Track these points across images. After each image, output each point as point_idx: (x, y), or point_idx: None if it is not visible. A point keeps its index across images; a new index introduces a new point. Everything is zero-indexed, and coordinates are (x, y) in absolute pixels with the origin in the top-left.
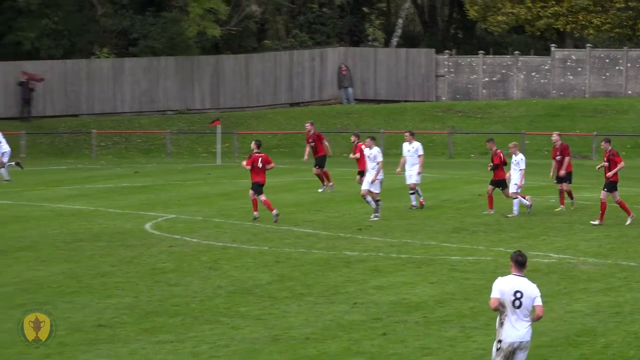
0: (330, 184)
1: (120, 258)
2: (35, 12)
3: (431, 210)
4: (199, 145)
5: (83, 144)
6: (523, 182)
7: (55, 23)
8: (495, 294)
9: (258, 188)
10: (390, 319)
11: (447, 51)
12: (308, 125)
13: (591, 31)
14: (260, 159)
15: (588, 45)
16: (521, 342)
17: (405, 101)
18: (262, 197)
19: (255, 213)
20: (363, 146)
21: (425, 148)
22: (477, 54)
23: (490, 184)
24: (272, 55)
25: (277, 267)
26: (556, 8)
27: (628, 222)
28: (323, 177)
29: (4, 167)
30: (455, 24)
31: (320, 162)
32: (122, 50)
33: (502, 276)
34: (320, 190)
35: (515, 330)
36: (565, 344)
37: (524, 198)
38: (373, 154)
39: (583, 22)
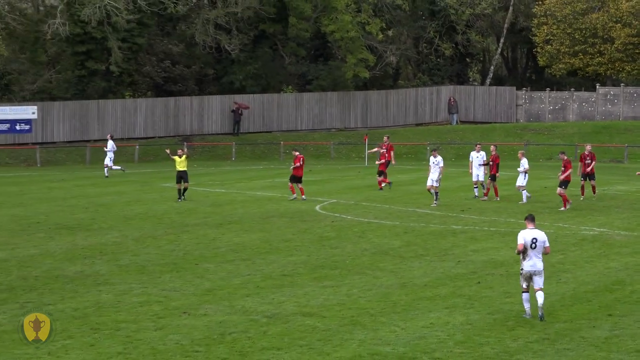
0: (388, 182)
1: (298, 229)
2: (243, 61)
3: (512, 198)
4: (353, 152)
5: (274, 151)
6: (525, 180)
7: (256, 69)
8: (520, 241)
9: (298, 179)
10: (482, 272)
11: (524, 88)
12: (386, 138)
13: (624, 75)
14: (301, 159)
15: (622, 84)
16: (536, 270)
17: (495, 122)
18: (300, 185)
19: (303, 196)
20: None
21: (507, 156)
22: (545, 90)
23: (490, 178)
24: (404, 91)
25: (405, 236)
26: (600, 59)
27: (562, 209)
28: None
29: (110, 167)
30: (530, 69)
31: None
32: (302, 87)
33: (522, 230)
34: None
35: (532, 262)
36: (603, 290)
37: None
38: (437, 160)
39: (619, 69)
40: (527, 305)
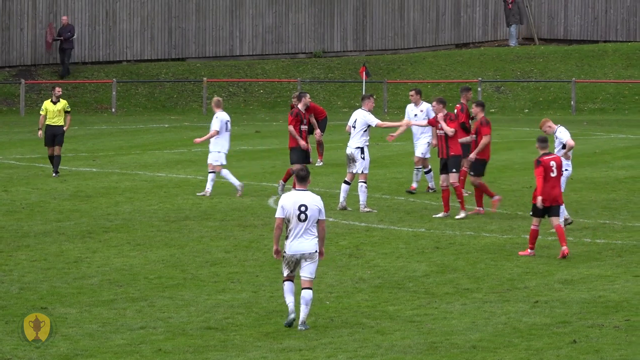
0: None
1: (235, 242)
2: None
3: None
4: (338, 97)
5: (190, 96)
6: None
7: None
8: (278, 212)
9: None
10: (581, 323)
11: None
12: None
13: None
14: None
15: None
16: (305, 252)
17: (605, 41)
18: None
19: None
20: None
21: (629, 101)
22: None
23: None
24: None
25: (436, 255)
26: None
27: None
28: None
29: None
30: None
31: None
32: None
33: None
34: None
35: (299, 241)
36: None
37: None
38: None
39: None
40: (290, 300)
